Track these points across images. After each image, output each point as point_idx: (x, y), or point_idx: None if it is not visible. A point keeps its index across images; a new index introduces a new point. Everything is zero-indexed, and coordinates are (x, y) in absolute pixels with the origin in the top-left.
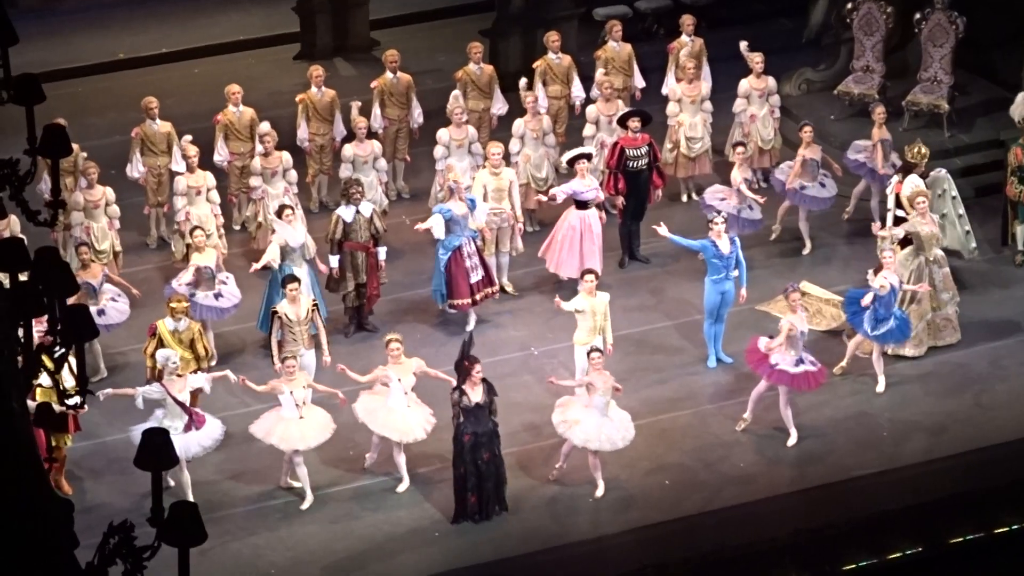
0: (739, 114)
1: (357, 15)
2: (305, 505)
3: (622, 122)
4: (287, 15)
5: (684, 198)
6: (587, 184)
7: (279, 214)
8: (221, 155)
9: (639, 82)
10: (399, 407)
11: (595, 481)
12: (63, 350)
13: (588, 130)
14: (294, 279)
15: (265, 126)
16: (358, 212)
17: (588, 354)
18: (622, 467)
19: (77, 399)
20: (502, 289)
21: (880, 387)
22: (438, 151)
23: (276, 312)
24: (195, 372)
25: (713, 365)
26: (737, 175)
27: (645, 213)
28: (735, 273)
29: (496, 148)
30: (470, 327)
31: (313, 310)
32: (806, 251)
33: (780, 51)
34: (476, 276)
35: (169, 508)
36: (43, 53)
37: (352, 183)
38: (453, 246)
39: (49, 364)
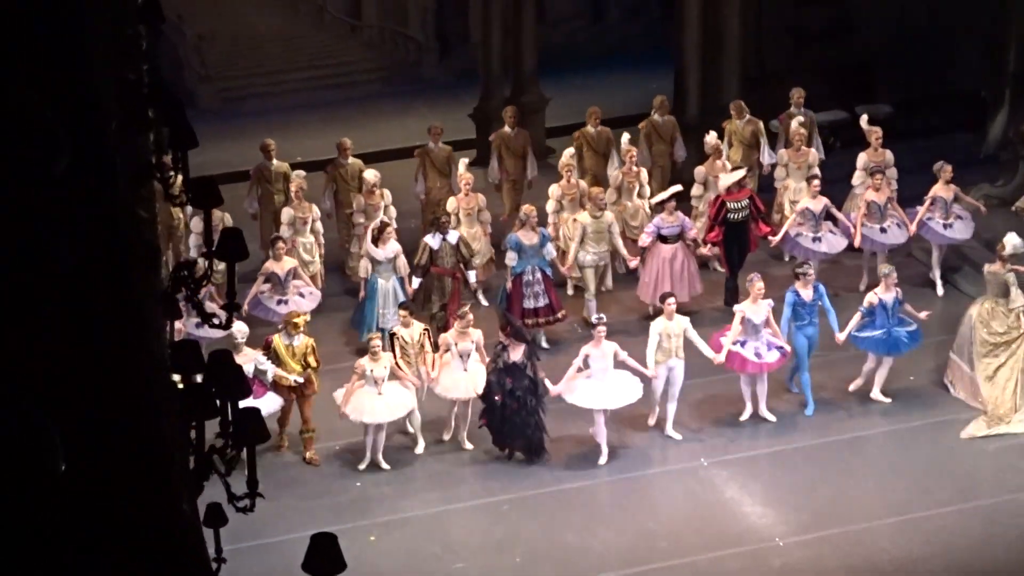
0: (856, 187)
1: (533, 122)
2: (361, 465)
3: (728, 191)
4: (463, 122)
5: (786, 257)
6: (669, 220)
7: (378, 231)
8: (328, 203)
9: (767, 158)
10: (457, 369)
11: (599, 449)
12: (235, 453)
13: (696, 190)
14: (406, 306)
15: (371, 174)
16: (444, 240)
17: (594, 326)
18: None
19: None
20: (585, 322)
21: (852, 387)
22: (550, 206)
23: (393, 334)
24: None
25: (811, 413)
26: (806, 203)
27: (744, 262)
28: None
29: (600, 193)
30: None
31: (424, 333)
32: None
33: (959, 165)
34: (532, 303)
35: None
36: (222, 153)
37: (442, 213)
38: (515, 272)
39: (221, 467)
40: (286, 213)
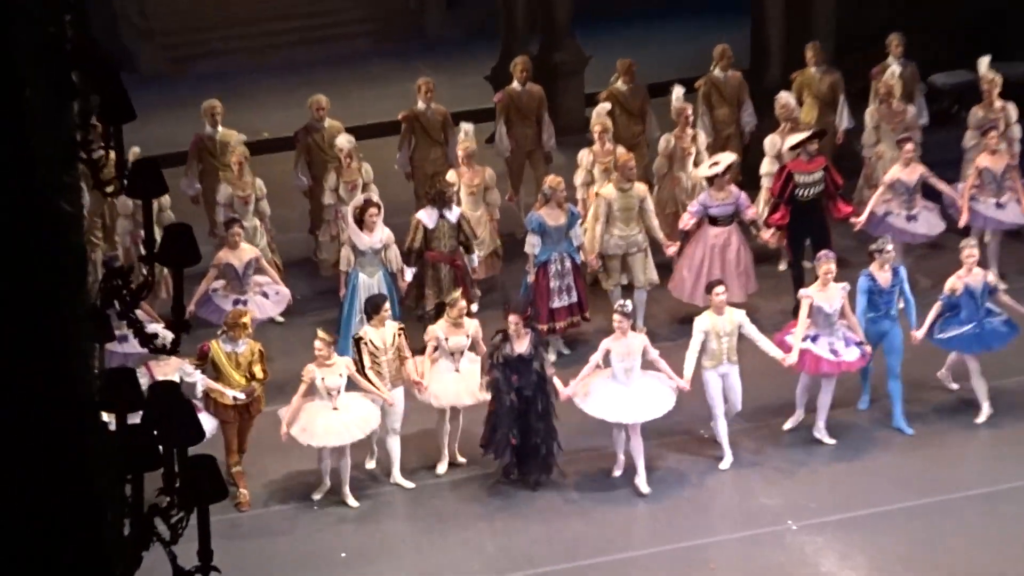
0: (969, 149)
1: (568, 87)
2: (317, 494)
3: (794, 149)
4: (479, 87)
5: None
6: (719, 197)
7: (361, 211)
8: (304, 179)
9: (844, 121)
10: (447, 371)
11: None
12: (182, 514)
13: (767, 165)
14: (385, 299)
15: (344, 139)
16: (442, 217)
17: (613, 315)
18: None
19: None
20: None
21: (982, 417)
22: (579, 176)
23: (360, 338)
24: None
25: (865, 407)
26: (896, 172)
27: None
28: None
29: (630, 159)
30: (551, 357)
31: (399, 335)
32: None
33: None
34: (561, 300)
35: None
36: (167, 128)
37: (441, 182)
38: (539, 262)
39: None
40: (223, 191)
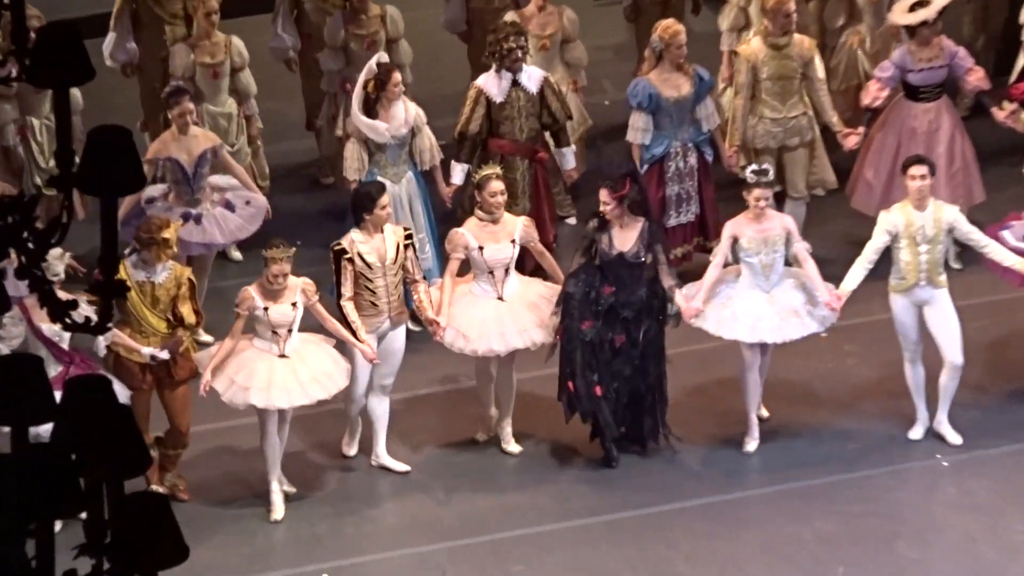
0: None
1: None
2: (275, 515)
3: None
4: None
5: None
6: (923, 55)
7: (376, 85)
8: (286, 39)
9: None
10: (484, 297)
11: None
12: None
13: None
14: (382, 188)
15: None
16: (516, 85)
17: (750, 192)
18: None
19: None
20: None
21: None
22: (725, 19)
23: (342, 249)
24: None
25: None
26: None
27: None
28: None
29: (791, 3)
30: (673, 305)
31: (407, 247)
32: None
33: None
34: (680, 216)
35: None
36: None
37: (507, 28)
38: (651, 157)
39: None
40: (180, 56)
